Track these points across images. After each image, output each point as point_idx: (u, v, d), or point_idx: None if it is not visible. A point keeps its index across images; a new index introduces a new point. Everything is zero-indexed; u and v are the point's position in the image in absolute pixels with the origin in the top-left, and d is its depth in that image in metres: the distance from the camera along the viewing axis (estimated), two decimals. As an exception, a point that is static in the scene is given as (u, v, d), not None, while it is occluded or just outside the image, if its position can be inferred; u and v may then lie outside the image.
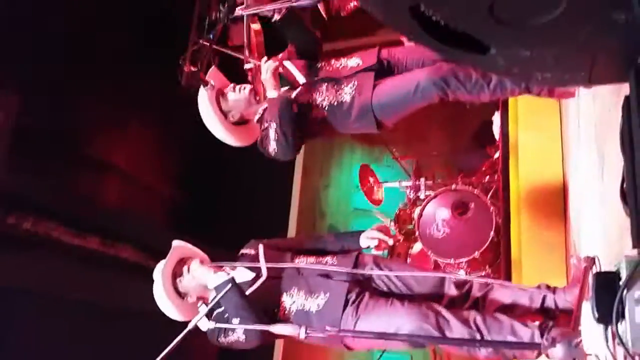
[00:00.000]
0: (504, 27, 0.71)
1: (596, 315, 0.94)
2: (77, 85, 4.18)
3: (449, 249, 3.77)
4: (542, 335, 1.86)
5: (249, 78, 2.60)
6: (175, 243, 2.38)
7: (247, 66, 2.56)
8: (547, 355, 1.69)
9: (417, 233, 3.87)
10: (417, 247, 4.17)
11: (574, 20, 0.68)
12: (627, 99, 0.75)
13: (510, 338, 1.89)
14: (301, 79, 2.52)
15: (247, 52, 2.56)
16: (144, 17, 4.76)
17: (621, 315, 0.89)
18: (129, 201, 5.19)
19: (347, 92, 2.45)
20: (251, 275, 2.24)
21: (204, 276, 2.23)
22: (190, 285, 2.29)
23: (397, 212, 4.43)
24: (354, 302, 2.12)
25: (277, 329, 1.90)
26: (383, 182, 4.70)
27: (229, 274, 2.21)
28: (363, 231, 2.39)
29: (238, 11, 2.54)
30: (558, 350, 1.46)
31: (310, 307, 2.15)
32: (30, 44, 3.83)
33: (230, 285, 2.10)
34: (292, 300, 2.18)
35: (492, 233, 3.64)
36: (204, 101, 2.54)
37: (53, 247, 4.09)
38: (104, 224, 4.56)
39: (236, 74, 2.74)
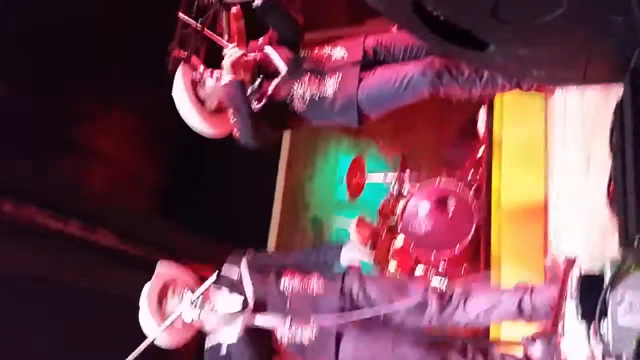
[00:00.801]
0: (505, 26, 0.72)
1: (579, 314, 0.96)
2: (61, 70, 4.13)
3: (430, 244, 3.79)
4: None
5: None
6: (158, 268, 2.29)
7: (225, 52, 2.46)
8: (526, 353, 1.73)
9: (399, 227, 3.89)
10: (399, 241, 4.19)
11: (573, 21, 0.69)
12: (619, 104, 0.76)
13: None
14: (283, 66, 2.45)
15: (225, 38, 2.46)
16: (129, 0, 4.70)
17: (604, 314, 0.91)
18: (112, 186, 5.16)
19: (330, 85, 2.40)
20: (237, 305, 2.16)
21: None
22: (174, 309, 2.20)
23: (380, 207, 4.45)
24: (349, 331, 2.11)
25: (260, 320, 1.91)
26: (369, 173, 4.70)
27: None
28: (342, 245, 2.35)
29: None
30: (537, 348, 1.48)
31: (301, 340, 2.12)
32: (13, 29, 3.77)
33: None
34: (282, 331, 2.13)
35: (472, 229, 3.67)
36: (180, 89, 2.47)
37: (34, 231, 4.06)
38: (86, 209, 4.53)
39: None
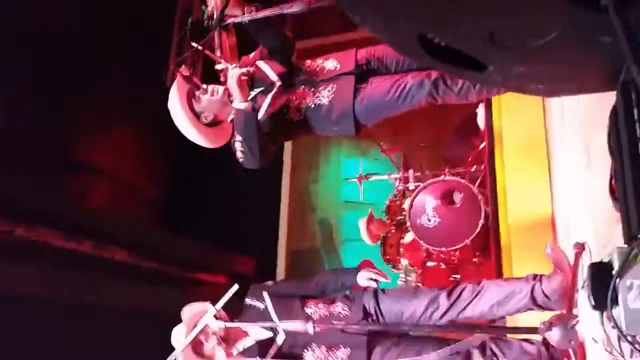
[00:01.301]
0: (502, 50, 0.79)
1: (592, 303, 1.04)
2: (63, 87, 4.18)
3: (440, 237, 3.85)
4: (547, 349, 2.02)
5: (221, 79, 2.55)
6: (183, 315, 2.28)
7: (218, 67, 2.51)
8: (544, 338, 1.81)
9: (408, 224, 3.96)
10: (409, 237, 4.26)
11: (566, 42, 0.76)
12: (614, 108, 0.84)
13: (522, 356, 2.06)
14: (276, 79, 2.49)
15: (218, 53, 2.49)
16: (128, 18, 4.76)
17: (615, 301, 0.98)
18: (117, 202, 5.21)
19: (324, 96, 2.43)
20: (268, 334, 2.20)
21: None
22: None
23: (387, 204, 4.53)
24: (378, 348, 2.18)
25: (286, 325, 1.98)
26: (372, 174, 4.78)
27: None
28: (358, 270, 2.45)
29: (230, 18, 2.53)
30: (555, 333, 1.55)
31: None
32: (13, 46, 3.81)
33: None
34: (315, 355, 2.19)
35: (481, 221, 3.74)
36: (175, 104, 2.48)
37: (48, 252, 4.10)
38: (96, 226, 4.57)
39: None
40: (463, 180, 3.89)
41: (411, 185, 4.34)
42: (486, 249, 3.88)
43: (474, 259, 4.09)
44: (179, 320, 2.34)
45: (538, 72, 0.87)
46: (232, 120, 2.52)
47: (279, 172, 6.12)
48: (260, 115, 2.44)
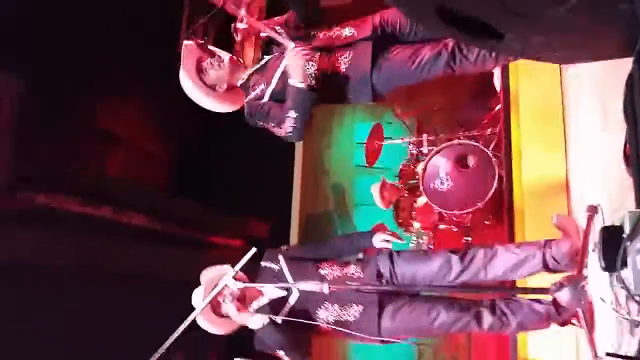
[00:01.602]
0: (519, 18, 0.81)
1: (603, 265, 1.07)
2: (82, 60, 4.22)
3: (453, 201, 3.88)
4: (556, 307, 2.08)
5: (238, 37, 2.53)
6: (204, 276, 2.39)
7: (240, 25, 2.47)
8: (555, 298, 1.86)
9: (421, 188, 3.99)
10: (421, 201, 4.29)
11: (585, 10, 0.78)
12: (630, 76, 0.85)
13: (531, 315, 2.16)
14: (291, 46, 2.46)
15: (243, 12, 2.47)
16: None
17: (624, 264, 1.02)
18: (136, 169, 5.29)
19: (341, 62, 2.44)
20: (282, 293, 2.29)
21: (241, 319, 2.29)
22: (230, 316, 2.33)
23: (400, 168, 4.55)
24: (389, 306, 2.27)
25: (301, 285, 2.05)
26: (386, 139, 4.79)
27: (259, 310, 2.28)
28: (373, 233, 2.52)
29: None
30: (565, 293, 1.60)
31: (347, 318, 2.28)
32: (29, 21, 3.84)
33: (269, 327, 2.23)
34: (328, 312, 2.29)
35: (494, 184, 3.75)
36: (188, 82, 2.51)
37: (67, 218, 4.21)
38: (114, 192, 4.67)
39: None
40: (477, 144, 3.89)
41: (425, 149, 4.35)
42: (499, 212, 3.90)
43: (487, 222, 4.12)
44: (198, 283, 2.44)
45: (555, 41, 0.88)
46: (243, 85, 2.54)
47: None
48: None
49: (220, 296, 2.29)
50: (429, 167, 3.98)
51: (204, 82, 2.56)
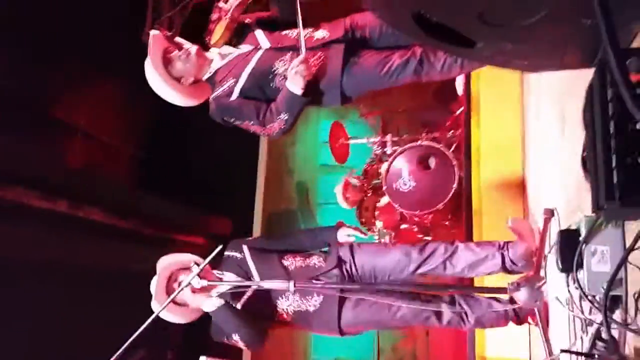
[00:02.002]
0: (492, 28, 0.84)
1: (560, 266, 1.13)
2: (41, 48, 4.10)
3: (414, 201, 3.97)
4: (514, 311, 2.19)
5: (214, 16, 2.50)
6: (159, 264, 2.38)
7: (222, 5, 2.43)
8: (512, 298, 1.93)
9: (384, 188, 4.06)
10: (384, 200, 4.36)
11: (551, 23, 0.82)
12: (591, 86, 0.90)
13: (489, 312, 2.24)
14: (265, 44, 2.47)
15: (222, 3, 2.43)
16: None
17: (580, 265, 1.08)
18: (96, 162, 5.17)
19: (312, 63, 2.40)
20: (243, 280, 2.33)
21: (196, 302, 2.27)
22: (186, 302, 2.32)
23: (364, 168, 4.61)
24: (350, 299, 2.30)
25: (267, 284, 2.06)
26: (351, 137, 4.84)
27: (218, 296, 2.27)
28: (338, 227, 2.56)
29: None
30: (522, 293, 1.67)
31: (307, 308, 2.30)
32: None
33: (225, 310, 2.23)
34: (288, 303, 2.31)
35: (454, 185, 3.85)
36: (153, 74, 2.46)
37: (23, 212, 4.09)
38: (72, 186, 4.55)
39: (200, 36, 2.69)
40: (439, 146, 3.99)
41: (389, 150, 4.41)
42: (458, 213, 4.01)
43: (446, 223, 4.23)
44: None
45: (524, 49, 0.92)
46: (209, 79, 2.51)
47: (256, 135, 6.09)
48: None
49: (176, 282, 2.30)
50: (392, 167, 4.06)
51: (170, 74, 2.49)
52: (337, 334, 2.37)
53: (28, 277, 3.88)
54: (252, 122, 2.44)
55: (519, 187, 3.09)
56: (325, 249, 2.55)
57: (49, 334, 3.87)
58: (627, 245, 0.95)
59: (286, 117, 2.38)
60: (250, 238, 2.64)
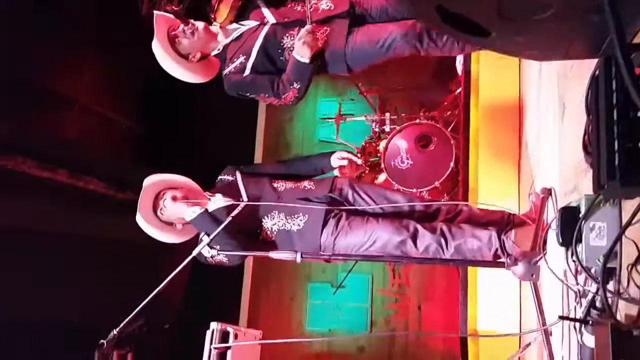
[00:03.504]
0: (507, 21, 0.92)
1: (560, 240, 1.23)
2: (35, 21, 4.09)
3: (412, 179, 4.06)
4: (499, 237, 2.17)
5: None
6: (145, 182, 2.47)
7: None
8: (498, 229, 2.01)
9: (382, 165, 4.14)
10: (382, 177, 4.44)
11: (561, 18, 0.89)
12: (595, 76, 0.98)
13: (471, 240, 2.20)
14: (271, 19, 2.52)
15: None
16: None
17: (579, 240, 1.17)
18: (95, 134, 5.20)
19: (318, 38, 2.47)
20: (229, 201, 2.38)
21: (178, 211, 2.38)
22: (171, 217, 2.45)
23: (362, 145, 4.68)
24: (332, 220, 2.34)
25: (275, 254, 2.12)
26: (349, 115, 4.90)
27: (202, 206, 2.35)
28: (333, 152, 2.62)
29: None
30: (519, 268, 1.76)
31: (291, 227, 2.35)
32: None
33: (205, 217, 2.29)
34: (273, 222, 2.37)
35: (452, 164, 3.94)
36: (161, 53, 2.52)
37: (23, 180, 4.12)
38: (71, 156, 4.59)
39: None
40: (437, 124, 4.07)
41: (387, 128, 4.48)
42: (454, 191, 4.11)
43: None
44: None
45: (533, 41, 0.99)
46: (218, 55, 2.57)
47: (255, 110, 6.14)
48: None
49: (163, 200, 2.40)
50: (391, 145, 4.14)
51: (177, 51, 2.56)
52: (319, 258, 2.36)
53: (28, 246, 3.94)
54: (267, 94, 2.53)
55: (516, 168, 3.18)
56: (320, 177, 2.61)
57: (47, 303, 3.95)
58: (623, 222, 1.05)
59: (298, 86, 2.45)
60: (244, 165, 2.67)
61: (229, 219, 2.18)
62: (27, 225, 4.07)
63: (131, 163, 5.61)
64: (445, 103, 4.45)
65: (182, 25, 2.53)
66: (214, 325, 2.16)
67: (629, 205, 1.04)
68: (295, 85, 2.45)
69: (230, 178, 2.55)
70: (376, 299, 5.33)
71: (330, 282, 5.44)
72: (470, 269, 3.27)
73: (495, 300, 3.00)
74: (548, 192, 1.94)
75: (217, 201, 2.40)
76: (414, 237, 2.25)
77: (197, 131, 5.59)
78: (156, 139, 5.63)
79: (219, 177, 2.62)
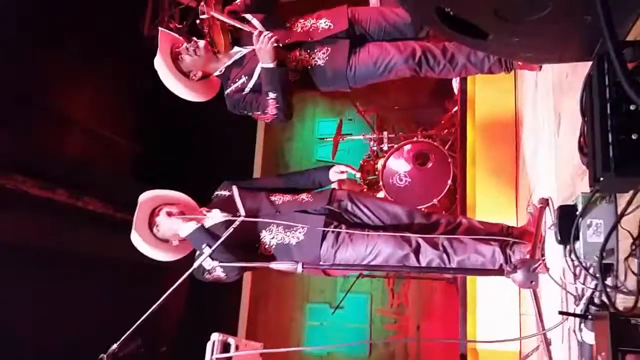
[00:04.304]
0: (503, 22, 0.96)
1: (559, 238, 1.25)
2: (38, 39, 4.15)
3: (410, 196, 4.10)
4: (503, 251, 2.17)
5: (204, 29, 2.56)
6: (141, 198, 2.45)
7: (203, 16, 2.50)
8: (501, 243, 2.02)
9: (380, 183, 4.17)
10: (380, 195, 4.47)
11: (556, 19, 0.93)
12: (589, 76, 1.02)
13: (475, 256, 2.19)
14: (255, 32, 2.51)
15: (203, 2, 2.50)
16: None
17: (577, 237, 1.20)
18: (94, 154, 5.22)
19: (320, 58, 2.55)
20: (227, 216, 2.33)
21: (174, 227, 2.34)
22: (167, 233, 2.42)
23: (361, 163, 4.72)
24: (331, 233, 2.30)
25: (276, 265, 2.12)
26: (347, 135, 4.96)
27: (199, 221, 2.31)
28: (332, 166, 2.61)
29: None
30: (519, 275, 1.78)
31: (289, 241, 2.31)
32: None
33: (202, 233, 2.25)
34: (272, 236, 2.33)
35: (449, 182, 3.98)
36: (163, 69, 2.57)
37: (23, 200, 4.14)
38: (71, 176, 4.61)
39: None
40: (434, 143, 4.12)
41: (385, 146, 4.53)
42: (453, 208, 4.14)
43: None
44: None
45: (528, 43, 1.04)
46: (220, 76, 2.61)
47: (253, 130, 6.20)
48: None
49: (159, 217, 2.38)
50: (389, 163, 4.19)
51: (179, 69, 2.62)
52: (319, 272, 2.36)
53: (27, 264, 3.93)
54: (258, 112, 2.58)
55: (513, 184, 3.21)
56: (319, 190, 2.58)
57: (47, 320, 3.93)
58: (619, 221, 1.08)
59: (275, 95, 2.48)
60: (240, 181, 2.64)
61: (229, 230, 2.16)
62: (26, 243, 4.07)
63: (130, 182, 5.63)
64: (442, 122, 4.51)
65: (185, 43, 2.59)
66: (215, 336, 2.15)
67: (624, 201, 1.07)
68: (271, 95, 2.48)
69: (227, 193, 2.54)
70: (375, 319, 5.31)
71: (329, 303, 5.43)
72: (469, 285, 3.28)
73: (494, 317, 3.00)
74: (545, 202, 1.97)
75: (215, 216, 2.37)
76: (417, 252, 2.24)
77: (196, 151, 5.64)
78: (155, 159, 5.66)
79: (216, 192, 2.60)
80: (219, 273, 2.27)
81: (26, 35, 4.08)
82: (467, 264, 2.20)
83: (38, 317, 3.88)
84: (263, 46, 2.43)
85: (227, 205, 2.42)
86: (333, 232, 2.32)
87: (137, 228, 2.36)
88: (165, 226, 2.38)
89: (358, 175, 2.77)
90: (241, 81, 2.60)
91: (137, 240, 2.38)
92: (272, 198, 2.44)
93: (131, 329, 2.00)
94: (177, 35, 2.68)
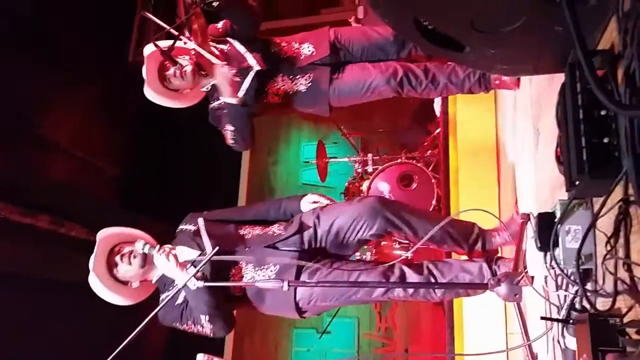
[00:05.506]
0: (479, 34, 0.99)
1: (538, 245, 1.27)
2: (22, 62, 4.15)
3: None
4: (489, 267, 2.14)
5: (189, 58, 2.56)
6: (99, 235, 2.26)
7: (180, 44, 2.51)
8: (487, 257, 2.01)
9: (366, 204, 4.18)
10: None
11: (529, 30, 0.97)
12: (563, 85, 1.06)
13: (462, 275, 2.14)
14: (253, 63, 2.55)
15: (187, 33, 2.53)
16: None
17: (556, 244, 1.22)
18: (78, 180, 5.18)
19: (302, 84, 2.60)
20: (195, 253, 2.13)
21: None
22: (129, 273, 2.22)
23: (346, 186, 4.75)
24: (305, 273, 2.13)
25: (262, 284, 2.06)
26: (332, 157, 4.99)
27: (187, 268, 2.07)
28: (304, 195, 2.43)
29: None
30: (502, 288, 1.78)
31: (262, 279, 2.10)
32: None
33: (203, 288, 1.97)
34: (241, 274, 2.16)
35: (434, 202, 4.02)
36: (152, 94, 2.55)
37: (3, 226, 4.08)
38: (54, 202, 4.57)
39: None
40: (418, 164, 4.17)
41: (369, 168, 4.57)
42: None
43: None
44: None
45: (504, 54, 1.08)
46: (209, 94, 2.63)
47: (239, 154, 6.20)
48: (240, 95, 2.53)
49: (118, 256, 2.19)
50: (374, 185, 4.22)
51: (167, 88, 2.61)
52: (294, 312, 2.19)
53: (7, 291, 3.86)
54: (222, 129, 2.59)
55: (496, 203, 3.25)
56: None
57: (29, 347, 3.86)
58: (596, 224, 1.10)
59: (232, 129, 2.49)
60: (206, 212, 2.42)
61: (214, 251, 1.93)
62: (6, 270, 4.00)
63: (114, 208, 5.58)
64: (425, 143, 4.57)
65: (173, 69, 2.57)
66: (200, 357, 2.09)
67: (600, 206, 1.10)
68: (228, 127, 2.49)
69: (192, 227, 2.31)
70: (363, 343, 5.27)
71: (315, 328, 5.37)
72: (456, 308, 3.28)
73: (482, 338, 3.00)
74: (527, 217, 2.00)
75: (181, 255, 2.13)
76: (402, 279, 2.14)
77: (181, 176, 5.62)
78: (139, 185, 5.63)
79: (180, 227, 2.38)
80: (204, 330, 2.15)
81: (8, 59, 4.08)
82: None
83: (17, 344, 3.79)
84: (220, 79, 2.43)
85: (193, 241, 2.22)
86: (307, 271, 2.14)
87: (95, 269, 2.17)
88: (124, 268, 2.19)
89: (332, 202, 2.70)
90: (219, 102, 2.60)
91: (95, 282, 2.20)
92: (241, 232, 2.26)
93: (111, 357, 1.92)
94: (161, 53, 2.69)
